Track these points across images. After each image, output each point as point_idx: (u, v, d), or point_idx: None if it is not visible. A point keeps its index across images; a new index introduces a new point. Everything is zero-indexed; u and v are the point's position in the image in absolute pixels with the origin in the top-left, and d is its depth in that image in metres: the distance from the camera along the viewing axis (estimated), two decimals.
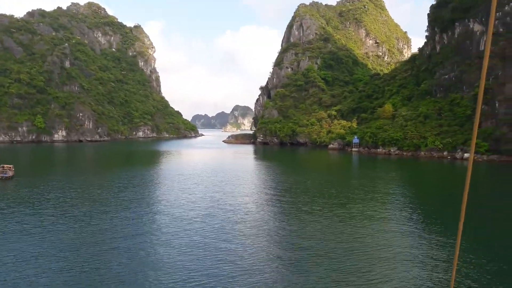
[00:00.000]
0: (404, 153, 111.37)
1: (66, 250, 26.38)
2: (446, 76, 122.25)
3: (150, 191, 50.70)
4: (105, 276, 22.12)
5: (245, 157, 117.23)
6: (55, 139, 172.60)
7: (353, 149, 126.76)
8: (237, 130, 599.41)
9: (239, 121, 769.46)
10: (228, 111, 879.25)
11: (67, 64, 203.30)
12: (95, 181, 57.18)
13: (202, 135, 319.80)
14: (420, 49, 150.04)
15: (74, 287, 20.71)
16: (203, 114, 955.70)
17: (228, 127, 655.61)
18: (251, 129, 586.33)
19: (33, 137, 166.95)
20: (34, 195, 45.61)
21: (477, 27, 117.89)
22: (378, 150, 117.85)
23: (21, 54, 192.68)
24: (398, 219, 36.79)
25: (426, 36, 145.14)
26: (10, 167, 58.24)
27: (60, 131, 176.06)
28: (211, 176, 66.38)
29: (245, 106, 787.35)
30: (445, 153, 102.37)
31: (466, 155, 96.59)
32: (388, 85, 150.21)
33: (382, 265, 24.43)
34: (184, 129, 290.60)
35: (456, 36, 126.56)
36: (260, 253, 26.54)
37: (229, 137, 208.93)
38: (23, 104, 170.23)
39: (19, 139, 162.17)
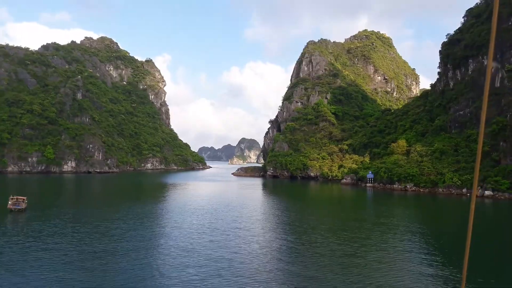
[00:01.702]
0: (421, 190, 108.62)
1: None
2: (461, 112, 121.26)
3: (168, 228, 48.54)
4: None
5: (258, 191, 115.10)
6: (64, 170, 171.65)
7: (368, 184, 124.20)
8: (243, 162, 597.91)
9: (245, 154, 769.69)
10: (233, 143, 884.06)
11: (79, 96, 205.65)
12: (108, 215, 55.26)
13: (210, 167, 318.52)
14: (432, 85, 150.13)
15: None
16: (209, 147, 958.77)
17: (235, 159, 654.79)
18: (257, 162, 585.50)
19: (42, 167, 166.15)
20: (48, 229, 43.92)
21: (491, 64, 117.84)
22: (394, 186, 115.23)
23: (35, 85, 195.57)
24: (420, 259, 34.42)
25: (439, 73, 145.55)
26: (23, 199, 56.69)
27: (70, 162, 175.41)
28: (228, 211, 64.28)
29: (251, 139, 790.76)
30: (464, 190, 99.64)
31: (486, 192, 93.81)
32: (400, 120, 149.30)
33: None
34: (192, 161, 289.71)
35: (469, 72, 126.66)
36: None
37: (238, 169, 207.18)
38: (34, 135, 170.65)
39: (28, 169, 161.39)
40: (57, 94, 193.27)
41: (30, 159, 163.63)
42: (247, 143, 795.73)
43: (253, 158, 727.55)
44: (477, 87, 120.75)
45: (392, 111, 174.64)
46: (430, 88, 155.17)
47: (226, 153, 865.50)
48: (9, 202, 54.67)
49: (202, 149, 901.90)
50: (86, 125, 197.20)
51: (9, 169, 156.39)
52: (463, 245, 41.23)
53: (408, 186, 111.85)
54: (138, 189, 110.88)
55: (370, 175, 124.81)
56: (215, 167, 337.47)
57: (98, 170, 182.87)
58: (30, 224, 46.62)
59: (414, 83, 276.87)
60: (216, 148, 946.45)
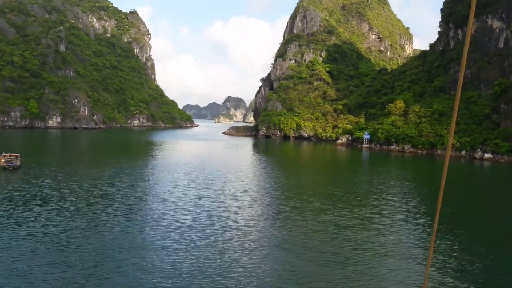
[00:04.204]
0: (419, 151, 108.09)
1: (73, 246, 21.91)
2: None
3: (168, 194, 45.91)
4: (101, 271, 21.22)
5: (253, 152, 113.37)
6: (49, 125, 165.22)
7: (364, 145, 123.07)
8: (230, 121, 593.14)
9: (231, 113, 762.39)
10: (217, 101, 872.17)
11: (62, 48, 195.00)
12: (103, 173, 52.70)
13: (198, 125, 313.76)
14: (431, 45, 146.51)
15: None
16: (194, 104, 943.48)
17: (221, 118, 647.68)
18: (243, 121, 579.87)
19: (26, 122, 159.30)
20: (46, 187, 41.38)
21: (496, 24, 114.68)
22: (391, 147, 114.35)
23: (14, 35, 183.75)
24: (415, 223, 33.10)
25: (439, 32, 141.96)
26: (17, 156, 52.81)
27: (55, 117, 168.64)
28: (232, 172, 62.10)
29: (237, 98, 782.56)
30: (462, 152, 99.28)
31: (486, 155, 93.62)
32: (397, 80, 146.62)
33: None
34: (180, 119, 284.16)
35: (472, 32, 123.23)
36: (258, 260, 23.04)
37: (229, 129, 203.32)
38: (15, 88, 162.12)
39: (12, 124, 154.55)
40: (38, 46, 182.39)
41: (13, 113, 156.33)
42: (233, 102, 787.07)
43: (239, 117, 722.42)
44: (480, 47, 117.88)
45: (389, 71, 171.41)
46: (428, 47, 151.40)
47: (211, 111, 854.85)
48: (2, 160, 50.75)
49: (187, 107, 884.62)
50: (70, 78, 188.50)
51: None
52: (454, 205, 42.62)
53: (405, 148, 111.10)
54: (130, 147, 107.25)
55: (366, 136, 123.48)
56: (203, 126, 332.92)
57: (84, 126, 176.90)
58: (27, 182, 43.27)
59: (407, 42, 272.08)
60: (201, 106, 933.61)
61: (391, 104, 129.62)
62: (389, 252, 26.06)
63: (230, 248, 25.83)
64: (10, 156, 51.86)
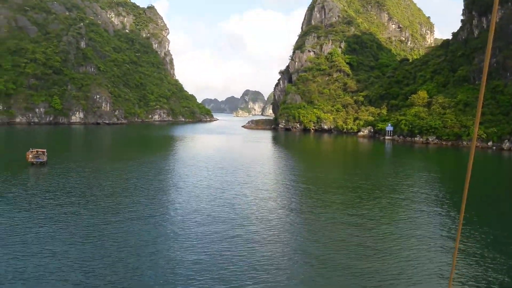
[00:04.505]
0: (444, 143, 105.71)
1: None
2: None
3: (196, 189, 46.05)
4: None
5: (275, 145, 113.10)
6: (72, 121, 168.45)
7: (386, 137, 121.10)
8: (248, 115, 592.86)
9: (249, 106, 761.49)
10: (234, 95, 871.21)
11: (82, 44, 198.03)
12: (128, 168, 53.20)
13: (217, 119, 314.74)
14: (454, 34, 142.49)
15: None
16: (213, 98, 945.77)
17: (240, 112, 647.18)
18: (262, 114, 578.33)
19: (51, 118, 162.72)
20: (73, 182, 42.01)
21: None
22: (415, 139, 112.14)
23: (36, 33, 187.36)
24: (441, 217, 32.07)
25: (462, 20, 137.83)
26: (43, 151, 53.86)
27: (78, 113, 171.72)
28: (257, 165, 61.99)
29: (255, 91, 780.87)
30: (489, 143, 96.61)
31: None
32: (420, 70, 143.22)
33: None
34: (199, 113, 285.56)
35: (497, 19, 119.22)
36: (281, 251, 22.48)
37: (249, 122, 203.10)
38: (39, 85, 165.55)
39: (37, 120, 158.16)
40: (60, 43, 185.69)
41: (37, 110, 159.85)
42: (252, 95, 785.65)
43: (257, 111, 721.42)
44: (505, 35, 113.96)
45: (411, 61, 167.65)
46: (451, 36, 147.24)
47: (229, 105, 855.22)
48: (29, 155, 51.82)
49: (205, 101, 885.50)
50: (92, 75, 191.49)
51: (17, 120, 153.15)
52: (481, 197, 41.27)
53: (430, 139, 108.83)
54: (153, 142, 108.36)
55: (389, 127, 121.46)
56: (222, 119, 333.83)
57: (106, 122, 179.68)
58: (54, 177, 44.11)
59: (428, 32, 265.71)
60: (220, 100, 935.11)
61: (414, 95, 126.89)
62: (416, 245, 25.79)
63: (258, 240, 25.79)
64: (37, 151, 52.94)
